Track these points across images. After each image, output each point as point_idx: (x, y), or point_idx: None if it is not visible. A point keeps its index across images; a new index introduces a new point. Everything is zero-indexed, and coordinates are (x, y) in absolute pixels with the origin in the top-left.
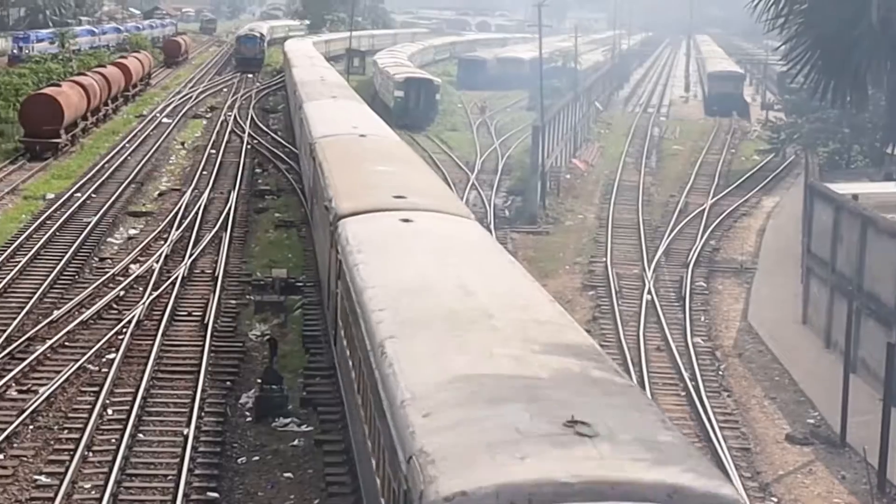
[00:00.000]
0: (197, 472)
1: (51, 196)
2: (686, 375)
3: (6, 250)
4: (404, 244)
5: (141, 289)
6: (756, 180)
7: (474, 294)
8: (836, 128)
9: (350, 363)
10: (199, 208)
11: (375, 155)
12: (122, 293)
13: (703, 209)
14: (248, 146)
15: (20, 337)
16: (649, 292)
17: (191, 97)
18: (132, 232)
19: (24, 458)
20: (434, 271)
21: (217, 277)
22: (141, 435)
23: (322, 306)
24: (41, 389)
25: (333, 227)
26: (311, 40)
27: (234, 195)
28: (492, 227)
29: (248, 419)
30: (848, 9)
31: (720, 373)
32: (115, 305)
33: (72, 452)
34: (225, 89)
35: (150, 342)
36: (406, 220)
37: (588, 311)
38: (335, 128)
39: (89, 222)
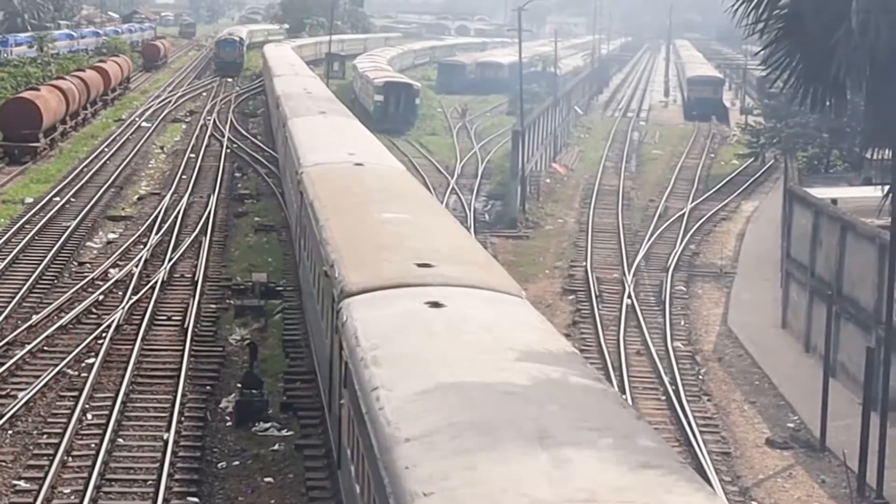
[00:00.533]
0: (177, 476)
1: (29, 200)
2: (666, 380)
3: None
4: (437, 346)
5: (120, 293)
6: (735, 185)
7: (563, 450)
8: (816, 132)
9: None
10: (178, 212)
11: (380, 194)
12: (101, 297)
13: (683, 214)
14: (228, 150)
15: None
16: (629, 297)
17: (170, 101)
18: (111, 236)
19: (3, 464)
20: (489, 398)
21: (197, 282)
22: (121, 440)
23: (323, 413)
24: (20, 394)
25: (337, 309)
26: (290, 45)
27: (213, 199)
28: (472, 230)
29: (229, 424)
30: (827, 13)
31: (700, 377)
32: (94, 310)
33: (51, 457)
34: (204, 93)
35: (130, 347)
36: (435, 305)
37: (568, 316)
38: (327, 154)
39: (68, 226)
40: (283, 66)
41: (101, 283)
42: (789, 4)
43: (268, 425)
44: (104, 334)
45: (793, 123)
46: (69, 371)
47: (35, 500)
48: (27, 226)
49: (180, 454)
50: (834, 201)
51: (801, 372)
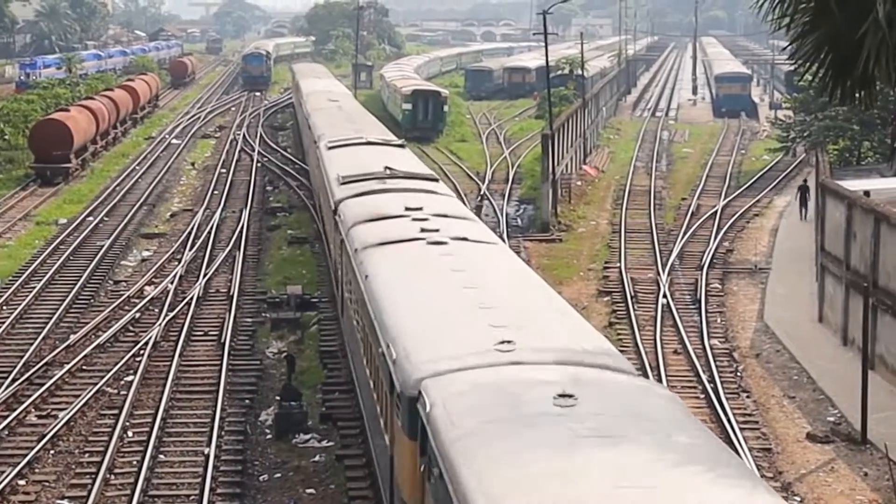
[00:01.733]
0: (219, 490)
1: (63, 221)
2: (704, 377)
3: (21, 276)
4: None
5: (156, 310)
6: (767, 180)
7: None
8: (846, 125)
9: None
10: (211, 228)
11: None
12: (137, 315)
13: (716, 211)
14: (259, 164)
15: (38, 362)
16: (664, 296)
17: (199, 117)
18: (146, 254)
19: (47, 483)
20: None
21: (232, 296)
22: (162, 456)
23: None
24: (61, 414)
25: (409, 409)
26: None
27: (246, 213)
28: (505, 235)
29: (269, 436)
30: (854, 5)
31: (738, 374)
32: (131, 328)
33: (93, 476)
34: (233, 108)
35: (168, 363)
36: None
37: (604, 317)
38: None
39: (102, 245)
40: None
41: (136, 300)
42: None
43: (308, 436)
44: (142, 351)
45: (822, 116)
46: (108, 389)
47: None
48: (62, 246)
49: (222, 468)
50: (866, 193)
51: (840, 365)
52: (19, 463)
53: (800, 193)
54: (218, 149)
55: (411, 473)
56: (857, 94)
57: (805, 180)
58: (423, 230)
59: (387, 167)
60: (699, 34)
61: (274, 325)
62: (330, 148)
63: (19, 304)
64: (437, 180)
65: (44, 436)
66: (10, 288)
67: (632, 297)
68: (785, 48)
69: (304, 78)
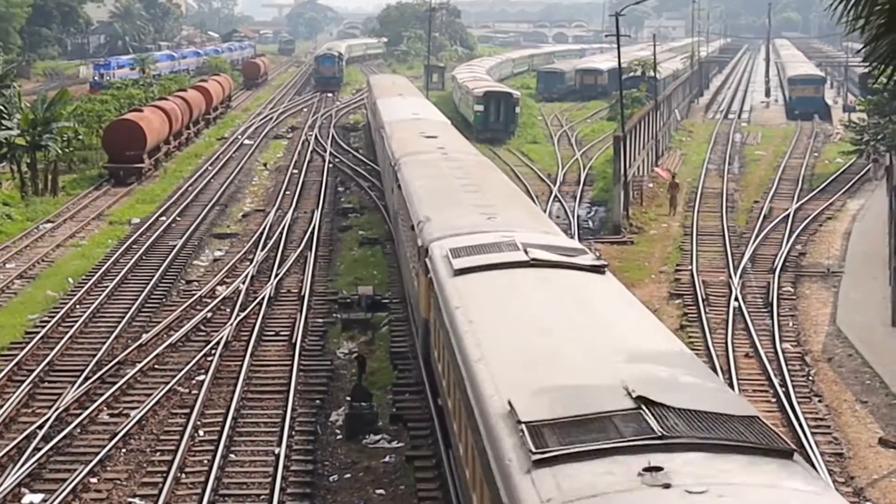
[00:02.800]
0: (290, 490)
1: (136, 220)
2: (776, 381)
3: (94, 275)
4: None
5: (228, 310)
6: (841, 183)
7: None
8: None
9: None
10: (283, 228)
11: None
12: (209, 315)
13: (788, 214)
14: (330, 165)
15: (110, 361)
16: (736, 299)
17: (271, 118)
18: (217, 254)
19: (118, 482)
20: None
21: (303, 296)
22: (233, 455)
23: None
24: (132, 413)
25: None
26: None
27: (317, 214)
28: (576, 237)
29: (339, 437)
30: None
31: (810, 378)
32: (202, 327)
33: (165, 474)
34: (305, 109)
35: (239, 363)
36: None
37: (675, 320)
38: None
39: (175, 245)
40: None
41: (208, 300)
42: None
43: (378, 437)
44: (213, 351)
45: None
46: (180, 388)
47: None
48: (134, 246)
49: (292, 468)
50: None
51: None
52: (91, 461)
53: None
54: (290, 149)
55: None
56: None
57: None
58: None
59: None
60: (772, 36)
61: (345, 325)
62: (457, 273)
63: (92, 303)
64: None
65: (115, 434)
66: (83, 287)
67: (703, 300)
68: (859, 50)
69: (383, 96)
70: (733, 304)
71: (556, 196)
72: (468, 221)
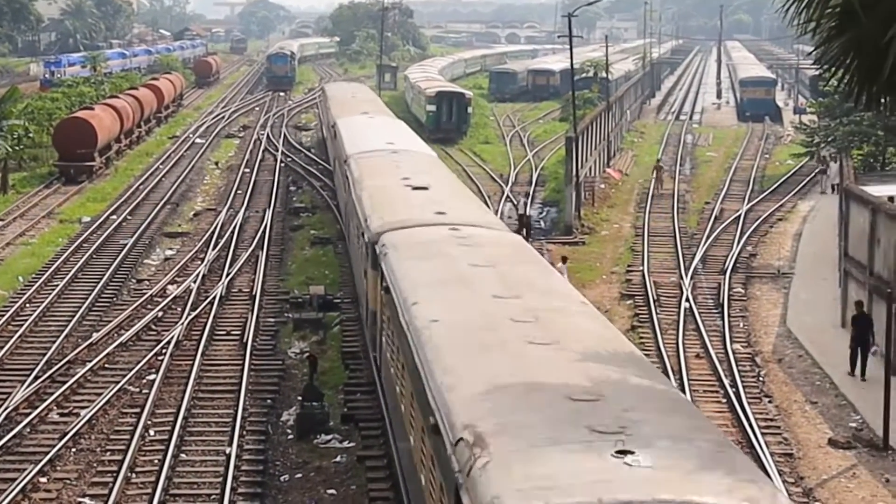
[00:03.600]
0: (240, 490)
1: (87, 219)
2: (727, 382)
3: (44, 274)
4: None
5: (179, 309)
6: (791, 185)
7: None
8: (871, 130)
9: None
10: (234, 227)
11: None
12: (160, 314)
13: (739, 215)
14: (282, 164)
15: (60, 360)
16: (687, 300)
17: (223, 117)
18: (169, 253)
19: (68, 481)
20: None
21: (255, 296)
22: (183, 455)
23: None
24: (83, 412)
25: None
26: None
27: (269, 213)
28: (528, 237)
29: (290, 437)
30: (882, 9)
31: (760, 379)
32: (153, 326)
33: (115, 474)
34: (257, 108)
35: (190, 362)
36: None
37: (627, 321)
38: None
39: (126, 244)
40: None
41: (159, 299)
42: (842, 1)
43: (329, 437)
44: (164, 350)
45: (847, 121)
46: (130, 388)
47: None
48: (85, 244)
49: (243, 468)
50: (891, 199)
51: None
52: (41, 460)
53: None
54: (242, 148)
55: None
56: (882, 100)
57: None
58: None
59: None
60: (724, 38)
61: (296, 325)
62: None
63: (42, 302)
64: None
65: (65, 433)
66: (33, 286)
67: (654, 301)
68: (810, 53)
69: (344, 114)
70: (684, 304)
71: (507, 196)
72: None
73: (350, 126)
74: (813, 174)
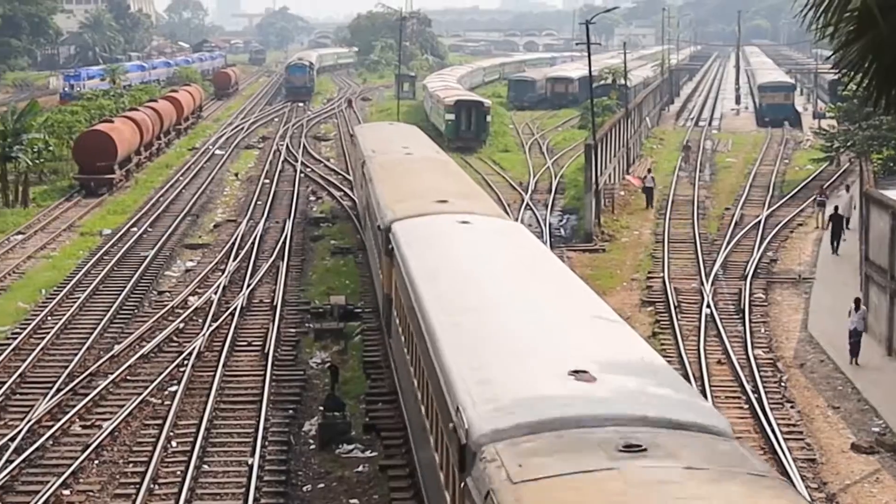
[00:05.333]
0: (263, 501)
1: (107, 232)
2: (748, 388)
3: (65, 287)
4: None
5: (200, 320)
6: (811, 189)
7: None
8: (890, 134)
9: None
10: (254, 238)
11: None
12: (181, 325)
13: (759, 221)
14: (302, 174)
15: (82, 372)
16: (708, 306)
17: (242, 128)
18: (189, 264)
19: (91, 493)
20: None
21: (276, 306)
22: (206, 466)
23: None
24: (105, 424)
25: None
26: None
27: (289, 224)
28: (548, 244)
29: (312, 447)
30: None
31: (782, 384)
32: (175, 338)
33: (138, 486)
34: (276, 119)
35: (212, 373)
36: None
37: (648, 327)
38: None
39: (146, 256)
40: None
41: (181, 311)
42: (860, 5)
43: (351, 447)
44: (186, 362)
45: (867, 126)
46: (152, 399)
47: None
48: (106, 257)
49: (265, 478)
50: None
51: (885, 375)
52: (63, 473)
53: (831, 224)
54: (261, 159)
55: None
56: None
57: (836, 208)
58: None
59: None
60: (742, 43)
61: (317, 335)
62: None
63: (63, 315)
64: None
65: (88, 445)
66: (54, 298)
67: (675, 307)
68: (829, 57)
69: (381, 168)
70: (705, 310)
71: (527, 204)
72: None
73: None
74: (813, 198)
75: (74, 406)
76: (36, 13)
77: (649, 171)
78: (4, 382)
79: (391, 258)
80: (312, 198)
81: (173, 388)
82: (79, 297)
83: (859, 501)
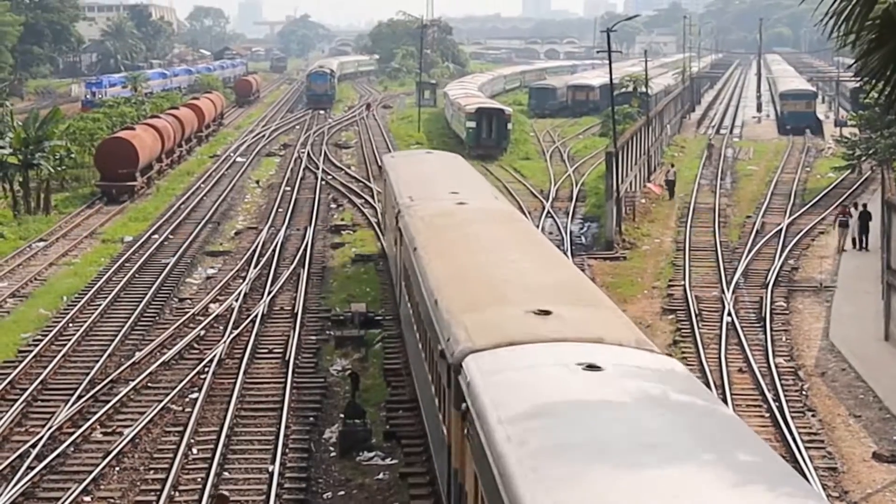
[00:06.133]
0: None
1: (129, 239)
2: (769, 396)
3: (87, 293)
4: None
5: (221, 328)
6: (833, 198)
7: None
8: None
9: None
10: (275, 245)
11: None
12: (202, 332)
13: (781, 229)
14: (323, 182)
15: (103, 379)
16: (729, 314)
17: (263, 135)
18: (210, 271)
19: (112, 500)
20: None
21: (296, 314)
22: (226, 473)
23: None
24: (126, 431)
25: None
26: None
27: (310, 231)
28: (568, 253)
29: (333, 454)
30: None
31: (804, 392)
32: (196, 345)
33: (158, 493)
34: (297, 126)
35: (232, 380)
36: None
37: (668, 336)
38: None
39: (168, 263)
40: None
41: (201, 318)
42: (882, 14)
43: (372, 454)
44: (206, 369)
45: (888, 134)
46: (173, 406)
47: None
48: (127, 264)
49: (286, 486)
50: None
51: None
52: (85, 479)
53: (858, 222)
54: (282, 167)
55: None
56: None
57: (865, 205)
58: None
59: None
60: (763, 51)
61: (338, 342)
62: None
63: (85, 322)
64: None
65: (109, 452)
66: (76, 305)
67: (696, 316)
68: (851, 65)
69: (426, 229)
70: (726, 319)
71: (548, 212)
72: None
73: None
74: (835, 219)
75: (95, 413)
76: (58, 21)
77: (672, 165)
78: (26, 389)
79: (467, 423)
80: (333, 205)
81: (194, 395)
82: (100, 304)
83: None
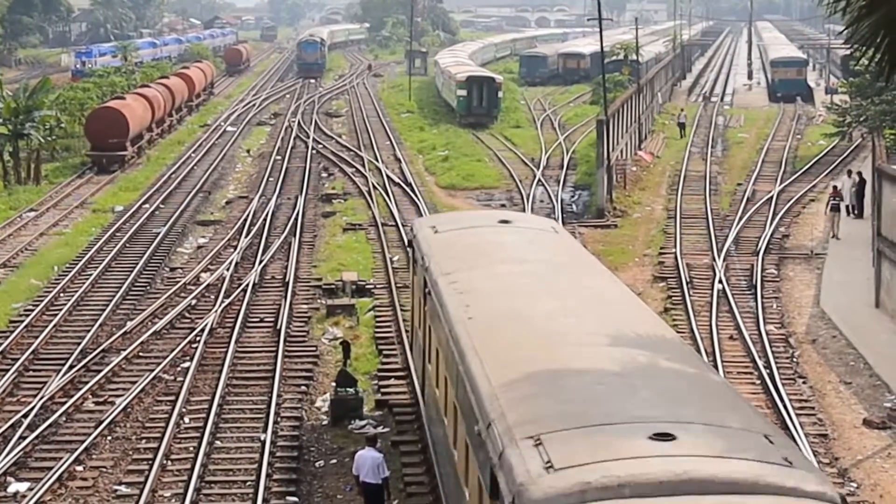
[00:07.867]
0: (275, 476)
1: (119, 208)
2: (760, 363)
3: (78, 263)
4: None
5: (212, 297)
6: (823, 165)
7: None
8: None
9: None
10: (266, 215)
11: None
12: (193, 302)
13: (771, 196)
14: (314, 151)
15: (95, 349)
16: (720, 281)
17: (254, 104)
18: (201, 241)
19: (104, 469)
20: None
21: (287, 283)
22: (218, 442)
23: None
24: (118, 400)
25: None
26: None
27: (301, 200)
28: (560, 221)
29: (325, 422)
30: None
31: (794, 359)
32: (187, 314)
33: (150, 461)
34: (288, 95)
35: (224, 349)
36: None
37: (660, 303)
38: None
39: (159, 233)
40: None
41: (193, 287)
42: None
43: (363, 422)
44: (198, 338)
45: (879, 101)
46: (165, 376)
47: (136, 503)
48: (118, 234)
49: (278, 454)
50: None
51: None
52: (77, 449)
53: (856, 189)
54: (273, 136)
55: None
56: None
57: (860, 172)
58: None
59: None
60: (754, 18)
61: (329, 311)
62: None
63: (76, 292)
64: None
65: (101, 422)
66: (67, 275)
67: (687, 283)
68: (841, 32)
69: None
70: (717, 286)
71: (539, 180)
72: None
73: None
74: (827, 203)
75: (87, 382)
76: None
77: (682, 110)
78: (17, 359)
79: None
80: (324, 174)
81: (186, 365)
82: (91, 274)
83: (871, 477)
